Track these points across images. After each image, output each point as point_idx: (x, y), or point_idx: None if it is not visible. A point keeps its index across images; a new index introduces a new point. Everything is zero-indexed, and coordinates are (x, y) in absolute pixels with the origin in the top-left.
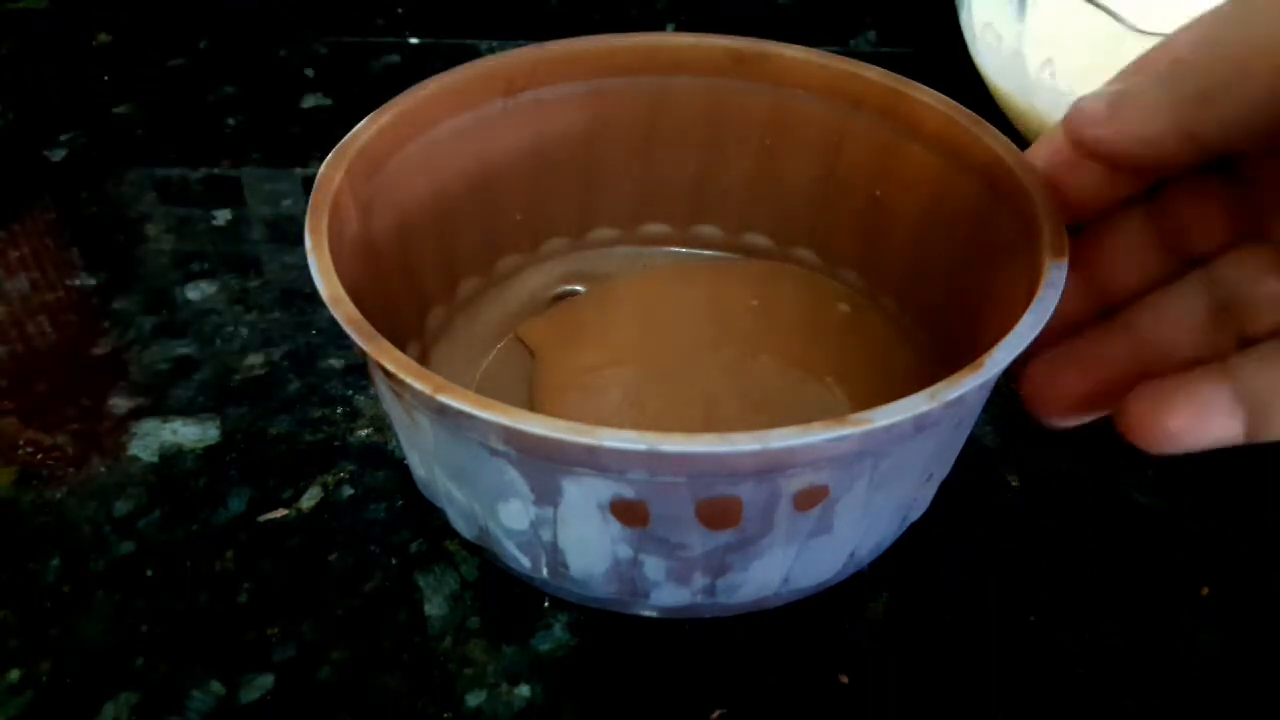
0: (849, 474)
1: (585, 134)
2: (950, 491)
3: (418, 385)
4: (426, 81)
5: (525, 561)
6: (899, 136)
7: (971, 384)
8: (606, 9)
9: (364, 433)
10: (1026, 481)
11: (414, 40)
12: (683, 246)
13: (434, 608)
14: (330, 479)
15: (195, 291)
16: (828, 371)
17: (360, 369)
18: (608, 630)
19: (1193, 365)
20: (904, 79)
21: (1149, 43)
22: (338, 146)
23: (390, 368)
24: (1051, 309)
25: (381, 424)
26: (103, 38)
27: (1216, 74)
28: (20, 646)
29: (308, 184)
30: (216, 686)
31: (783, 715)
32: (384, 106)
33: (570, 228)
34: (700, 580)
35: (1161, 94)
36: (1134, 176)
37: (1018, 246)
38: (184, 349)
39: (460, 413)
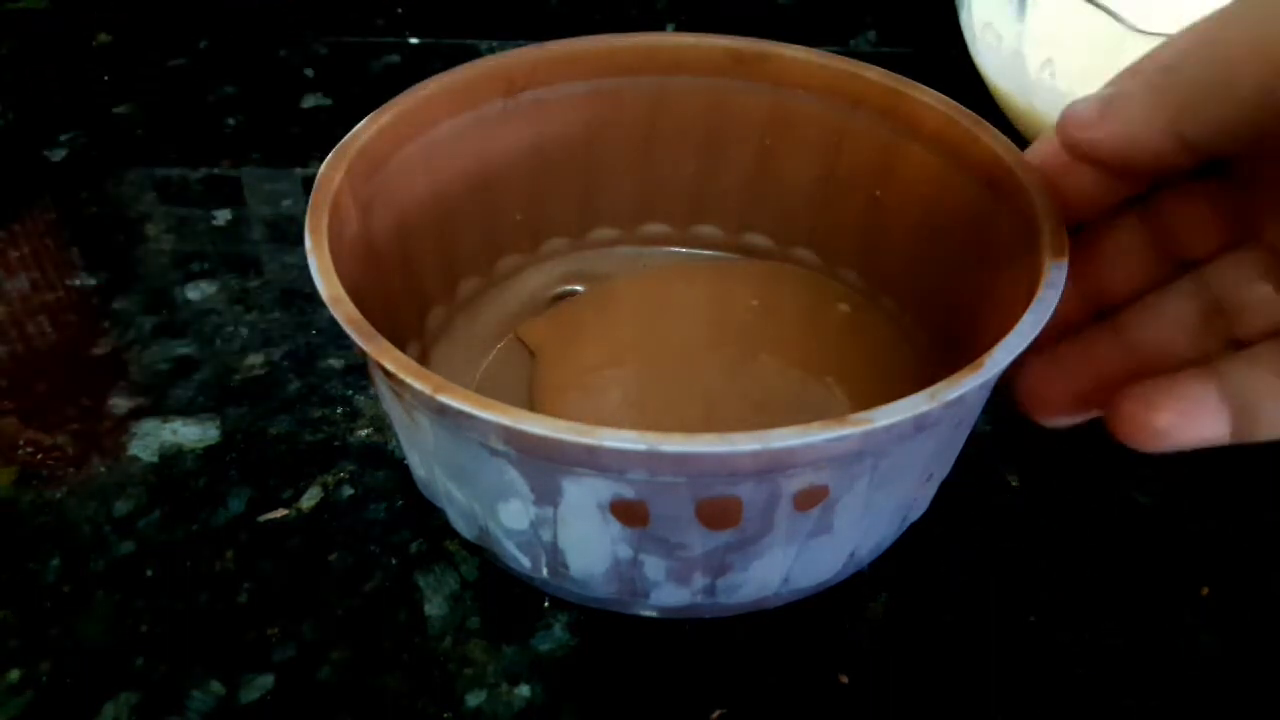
0: (849, 474)
1: (585, 134)
2: (950, 491)
3: (418, 385)
4: (426, 81)
5: (525, 561)
6: (899, 136)
7: (971, 384)
8: (606, 9)
9: (364, 433)
10: (1026, 481)
11: (414, 40)
12: (683, 246)
13: (434, 608)
14: (330, 479)
15: (195, 291)
16: (828, 371)
17: (360, 369)
18: (608, 630)
19: (1184, 366)
20: (904, 79)
21: (1149, 43)
22: (338, 146)
23: (390, 368)
24: (1051, 309)
25: (381, 424)
26: (103, 38)
27: (1204, 77)
28: (20, 646)
29: (308, 184)
30: (216, 686)
31: (783, 715)
32: (384, 106)
33: (570, 228)
34: (700, 580)
35: (1151, 97)
36: (1127, 179)
37: (1018, 246)
38: (184, 349)
39: (460, 413)
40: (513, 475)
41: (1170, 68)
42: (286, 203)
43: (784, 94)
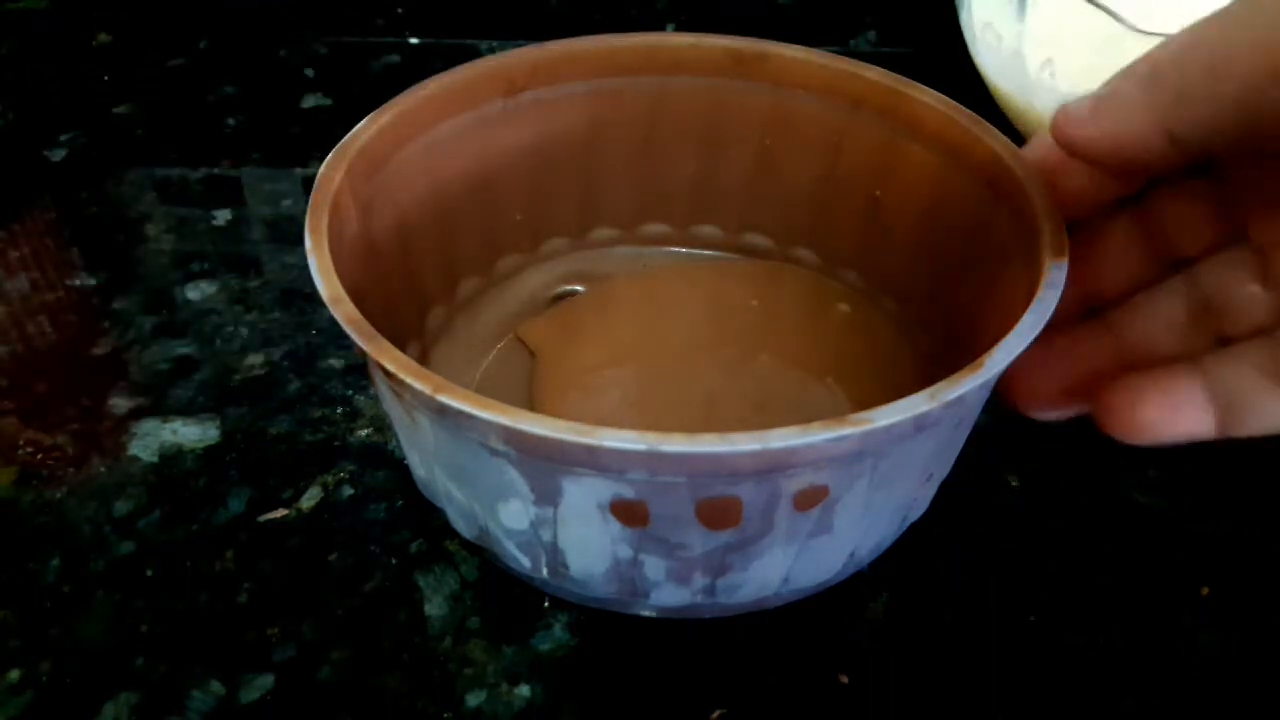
0: (849, 474)
1: (585, 134)
2: (950, 491)
3: (418, 385)
4: (426, 81)
5: (525, 561)
6: (899, 136)
7: (971, 384)
8: (606, 9)
9: (364, 433)
10: (1026, 481)
11: (414, 40)
12: (683, 246)
13: (434, 608)
14: (330, 479)
15: (195, 291)
16: (828, 371)
17: (360, 369)
18: (608, 630)
19: (1172, 363)
20: (904, 79)
21: (1149, 43)
22: (338, 146)
23: (390, 368)
24: (1051, 309)
25: (381, 424)
26: (103, 38)
27: (1194, 76)
28: (20, 646)
29: (308, 184)
30: (216, 686)
31: (783, 715)
32: (384, 106)
33: (570, 228)
34: (700, 580)
35: (1142, 95)
36: (1120, 178)
37: (1018, 246)
38: (184, 349)
39: (460, 413)
40: (513, 475)
41: (1161, 67)
42: (286, 203)
43: (784, 94)
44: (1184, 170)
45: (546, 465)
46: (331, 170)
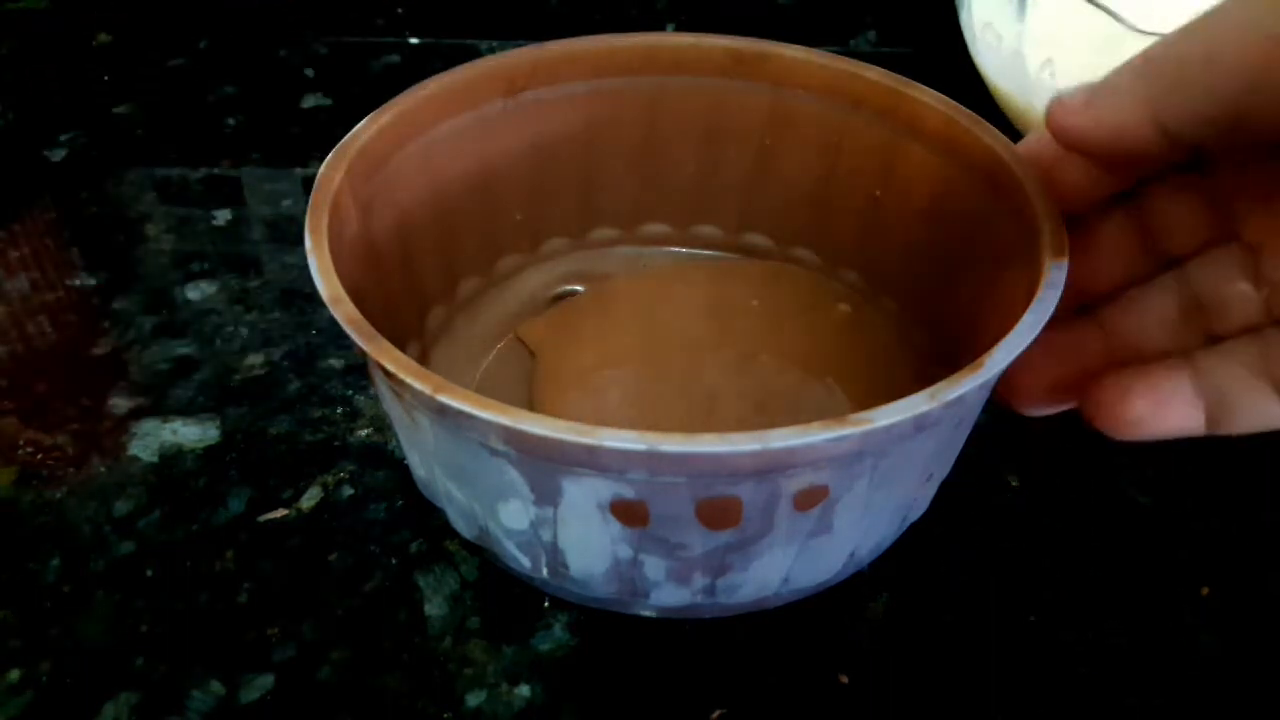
0: (849, 474)
1: (585, 134)
2: (950, 491)
3: (418, 385)
4: (426, 81)
5: (525, 561)
6: (899, 136)
7: (971, 384)
8: (606, 9)
9: (364, 433)
10: (1026, 481)
11: (414, 40)
12: (683, 246)
13: (434, 608)
14: (330, 479)
15: (195, 291)
16: (828, 371)
17: (360, 369)
18: (608, 630)
19: (1163, 360)
20: (904, 79)
21: (1148, 43)
22: (338, 146)
23: (390, 368)
24: (1052, 309)
25: (381, 424)
26: (103, 38)
27: (1185, 68)
28: (20, 646)
29: (308, 184)
30: (216, 686)
31: (783, 715)
32: (384, 106)
33: (570, 228)
34: (700, 580)
35: (1135, 86)
36: (1113, 171)
37: (1018, 246)
38: (184, 349)
39: (460, 413)
40: (513, 475)
41: (1154, 60)
42: (286, 203)
43: (784, 94)
44: (1176, 166)
45: (546, 465)
46: (331, 170)
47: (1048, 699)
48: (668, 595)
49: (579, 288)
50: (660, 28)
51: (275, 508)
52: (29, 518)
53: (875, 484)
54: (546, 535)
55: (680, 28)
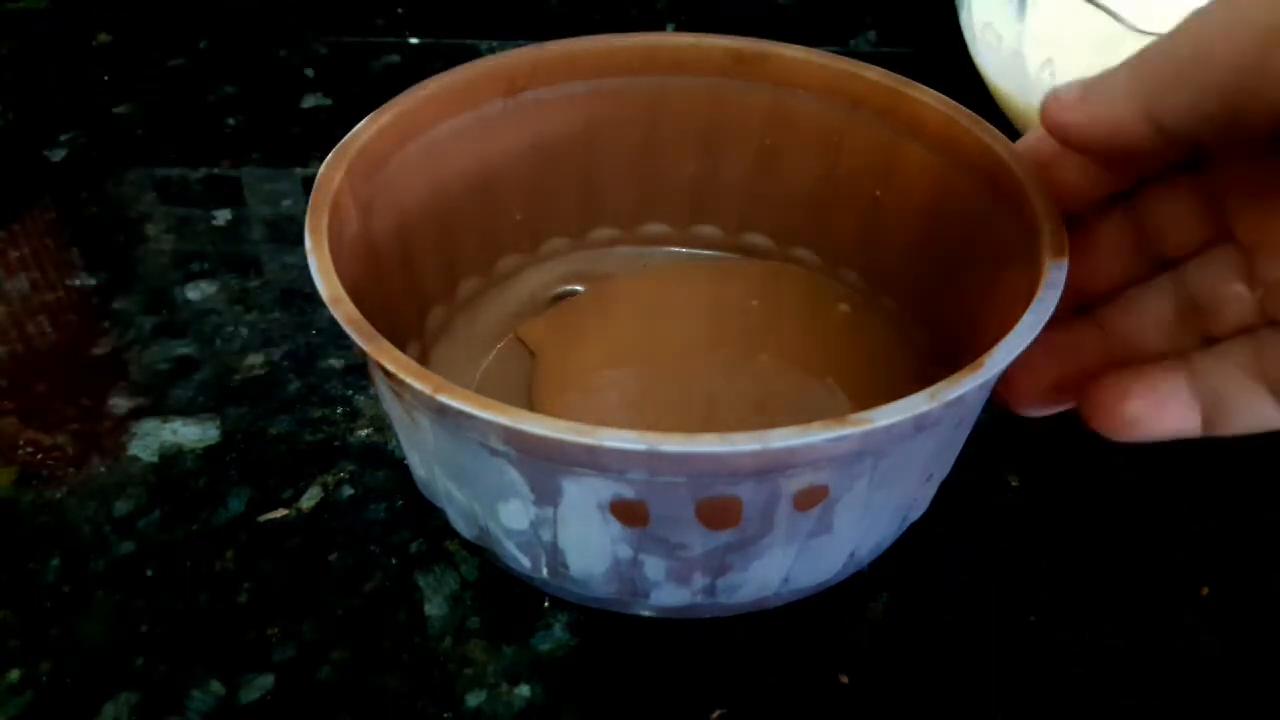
0: (849, 474)
1: (585, 134)
2: (950, 491)
3: (418, 385)
4: (426, 81)
5: (525, 561)
6: (899, 136)
7: (971, 384)
8: (606, 9)
9: (364, 433)
10: (1026, 481)
11: (414, 40)
12: (683, 246)
13: (434, 608)
14: (330, 479)
15: (195, 291)
16: (828, 371)
17: (360, 369)
18: (608, 630)
19: (1159, 361)
20: (904, 79)
21: (1148, 42)
22: (338, 146)
23: (390, 368)
24: (1052, 309)
25: (381, 424)
26: (103, 38)
27: (1179, 64)
28: (20, 646)
29: (308, 184)
30: (216, 686)
31: (783, 715)
32: (384, 106)
33: (570, 228)
34: (700, 580)
35: (1129, 82)
36: (1109, 169)
37: (1018, 246)
38: (184, 349)
39: (460, 413)
40: (513, 475)
41: (1149, 56)
42: (286, 203)
43: (784, 94)
44: (1172, 165)
45: (546, 465)
46: (331, 170)
47: (1047, 699)
48: (668, 595)
49: (579, 288)
50: (660, 28)
51: (275, 508)
52: (29, 518)
53: (875, 484)
54: (546, 535)
55: (680, 28)
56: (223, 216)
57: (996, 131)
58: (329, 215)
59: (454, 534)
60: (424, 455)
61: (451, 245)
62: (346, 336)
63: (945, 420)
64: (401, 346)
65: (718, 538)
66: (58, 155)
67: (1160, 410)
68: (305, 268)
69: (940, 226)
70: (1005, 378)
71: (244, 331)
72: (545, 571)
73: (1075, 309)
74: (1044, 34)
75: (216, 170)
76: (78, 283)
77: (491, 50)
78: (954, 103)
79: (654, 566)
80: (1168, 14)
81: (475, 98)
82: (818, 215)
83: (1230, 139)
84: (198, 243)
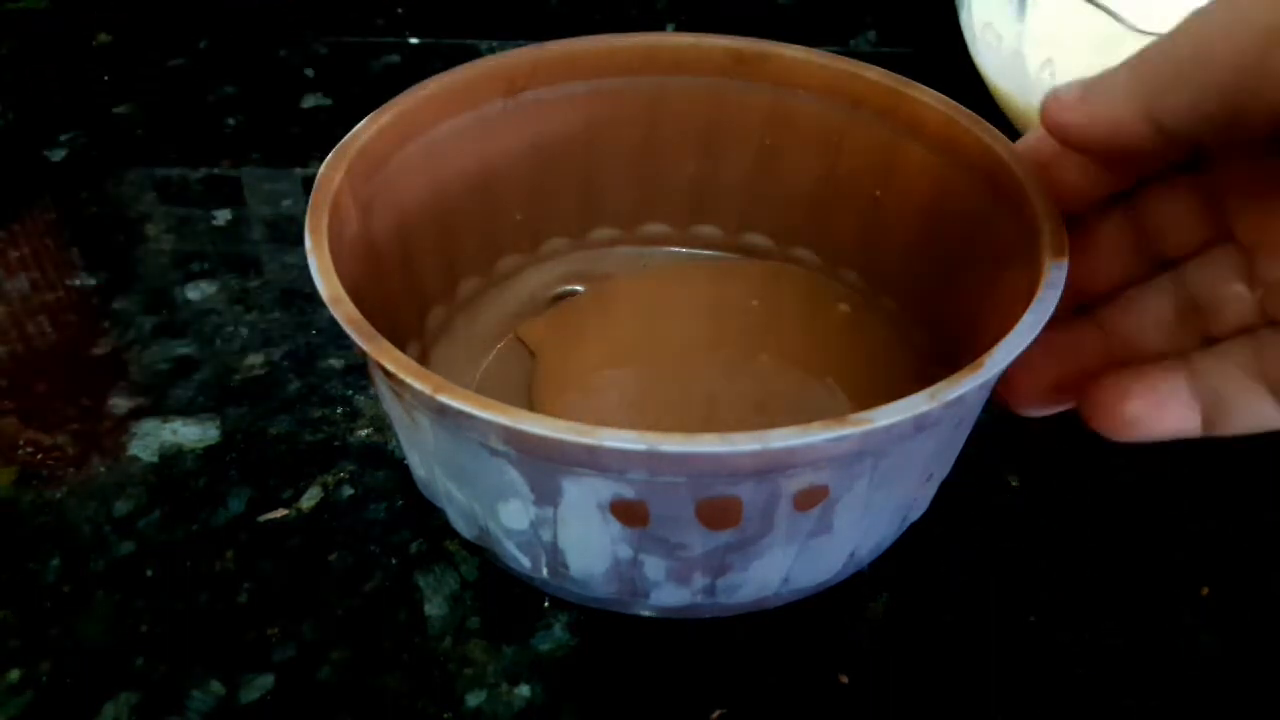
0: (849, 474)
1: (585, 134)
2: (950, 491)
3: (418, 385)
4: (426, 81)
5: (525, 561)
6: (899, 136)
7: (971, 384)
8: (606, 9)
9: (364, 433)
10: (1026, 481)
11: (414, 40)
12: (683, 246)
13: (434, 608)
14: (330, 479)
15: (195, 291)
16: (828, 371)
17: (360, 369)
18: (608, 630)
19: (1159, 361)
20: (904, 79)
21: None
22: (338, 146)
23: (390, 368)
24: (1052, 309)
25: (381, 424)
26: (103, 38)
27: (1178, 63)
28: (20, 646)
29: (308, 184)
30: (216, 686)
31: (783, 715)
32: (384, 106)
33: (570, 228)
34: (700, 580)
35: (1129, 82)
36: (1109, 167)
37: (1018, 246)
38: (184, 349)
39: (460, 413)
40: (513, 475)
41: (1149, 55)
42: (286, 203)
43: (784, 94)
44: (1172, 165)
45: (546, 465)
46: (331, 170)
47: (1047, 699)
48: (668, 595)
49: (579, 288)
50: (660, 28)
51: (275, 508)
52: (29, 518)
53: (875, 484)
54: (546, 535)
55: (680, 28)
56: (223, 216)
57: (996, 131)
58: (329, 215)
59: (454, 534)
60: (424, 455)
61: (451, 245)
62: (346, 336)
63: (945, 420)
64: (401, 346)
65: (718, 538)
66: (58, 155)
67: (1160, 410)
68: (305, 268)
69: (940, 226)
70: (1005, 377)
71: (244, 331)
72: (545, 571)
73: (1075, 309)
74: (1044, 34)
75: (216, 170)
76: (78, 283)
77: (491, 50)
78: (954, 103)
79: (654, 566)
80: (1168, 14)
81: (475, 98)
82: (818, 215)
83: (1230, 139)
84: (198, 243)
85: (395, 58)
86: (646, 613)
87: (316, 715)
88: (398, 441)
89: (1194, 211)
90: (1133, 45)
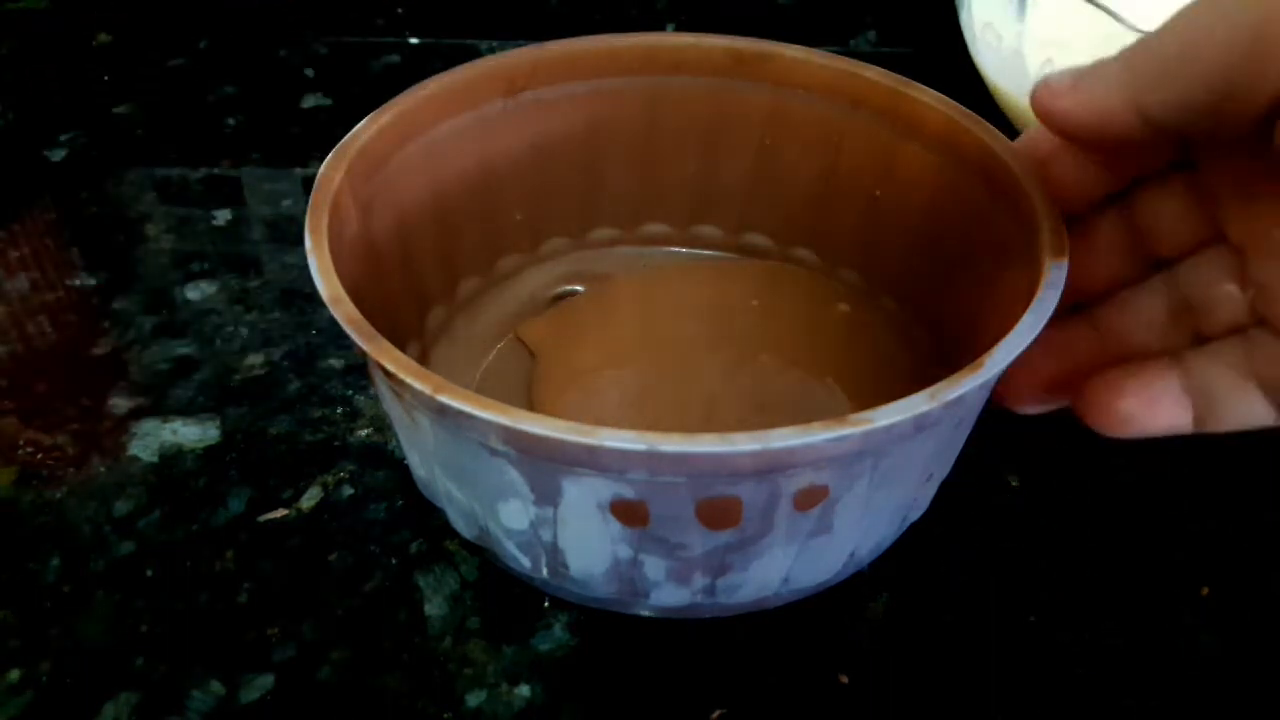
0: (849, 474)
1: (585, 134)
2: (950, 491)
3: (418, 385)
4: (426, 81)
5: (525, 561)
6: (899, 136)
7: (971, 384)
8: (606, 9)
9: (364, 433)
10: (1026, 481)
11: (414, 40)
12: (683, 246)
13: (434, 608)
14: (330, 479)
15: (195, 291)
16: (828, 371)
17: (360, 369)
18: (608, 630)
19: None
20: (904, 79)
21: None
22: (338, 146)
23: (390, 368)
24: (1052, 309)
25: (381, 424)
26: (103, 38)
27: (1168, 56)
28: (20, 646)
29: (308, 184)
30: (216, 686)
31: (783, 715)
32: (384, 106)
33: (570, 228)
34: (700, 580)
35: (1120, 73)
36: (1100, 161)
37: (1017, 246)
38: (184, 349)
39: (460, 413)
40: (513, 475)
41: (1141, 48)
42: (286, 203)
43: (784, 94)
44: (1162, 161)
45: (546, 465)
46: (331, 170)
47: (1047, 699)
48: (668, 595)
49: (579, 288)
50: (660, 28)
51: (275, 508)
52: (29, 518)
53: (875, 484)
54: (546, 535)
55: (680, 28)
56: (223, 216)
57: (996, 131)
58: (329, 215)
59: (454, 534)
60: (424, 455)
61: (451, 245)
62: (346, 336)
63: (945, 420)
64: (401, 346)
65: (718, 538)
66: (58, 155)
67: (1153, 407)
68: (305, 268)
69: (940, 226)
70: (1002, 375)
71: (244, 331)
72: (545, 571)
73: (1069, 307)
74: (1044, 34)
75: (216, 170)
76: (78, 283)
77: (491, 50)
78: (954, 102)
79: (654, 566)
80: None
81: (475, 98)
82: (817, 215)
83: (1216, 134)
84: (198, 243)
85: (395, 58)
86: (646, 613)
87: (316, 715)
88: (398, 441)
89: (1187, 213)
90: None
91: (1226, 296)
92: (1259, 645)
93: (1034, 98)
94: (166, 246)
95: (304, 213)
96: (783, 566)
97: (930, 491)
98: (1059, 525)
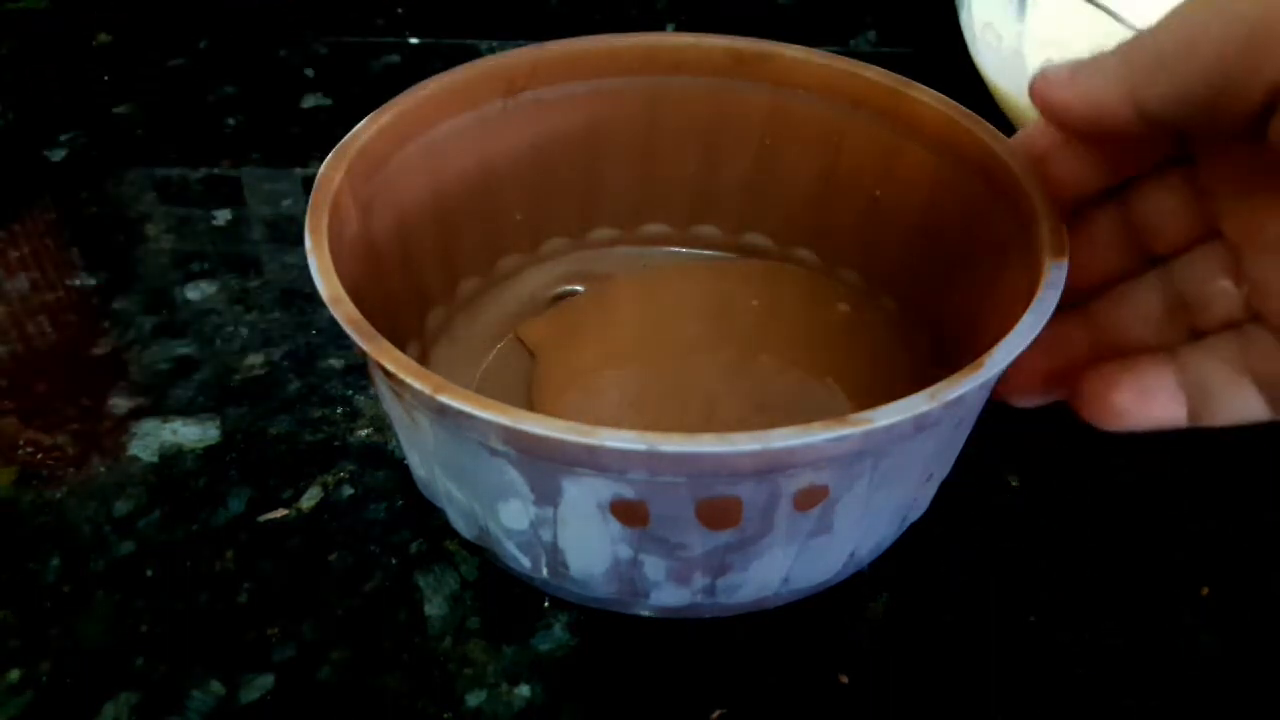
0: (849, 474)
1: (585, 134)
2: (950, 491)
3: (418, 385)
4: (426, 81)
5: (525, 561)
6: (899, 136)
7: (971, 384)
8: (606, 9)
9: (364, 433)
10: (1026, 481)
11: (414, 40)
12: (683, 246)
13: (434, 608)
14: (330, 479)
15: (195, 291)
16: (828, 371)
17: (360, 369)
18: (608, 630)
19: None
20: (904, 79)
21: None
22: (338, 146)
23: (390, 368)
24: (1051, 309)
25: (381, 424)
26: (103, 38)
27: (1165, 50)
28: (20, 646)
29: (308, 184)
30: (216, 686)
31: (783, 715)
32: (384, 106)
33: (570, 228)
34: (700, 580)
35: (1117, 66)
36: (1096, 155)
37: (1017, 246)
38: (184, 349)
39: (460, 413)
40: (513, 475)
41: (1139, 41)
42: (286, 203)
43: (784, 94)
44: (1158, 156)
45: (546, 465)
46: (331, 170)
47: (1047, 699)
48: (668, 595)
49: (579, 288)
50: (660, 28)
51: (275, 508)
52: (29, 518)
53: (875, 484)
54: (546, 535)
55: (680, 28)
56: (223, 216)
57: (996, 131)
58: (329, 215)
59: (454, 534)
60: (424, 455)
61: (451, 245)
62: (346, 336)
63: (945, 420)
64: (401, 346)
65: (718, 538)
66: (58, 155)
67: (1147, 401)
68: (305, 268)
69: (940, 226)
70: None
71: (244, 331)
72: (545, 571)
73: (1067, 302)
74: (1044, 34)
75: (216, 170)
76: (78, 283)
77: (491, 50)
78: (954, 102)
79: (654, 566)
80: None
81: (475, 98)
82: (818, 215)
83: (1211, 129)
84: (198, 243)
85: (395, 58)
86: (646, 613)
87: (316, 715)
88: (398, 441)
89: (1183, 209)
90: None
91: (1222, 292)
92: (1259, 645)
93: (1032, 88)
94: (166, 246)
95: (304, 213)
96: (783, 566)
97: (930, 491)
98: (1059, 525)
